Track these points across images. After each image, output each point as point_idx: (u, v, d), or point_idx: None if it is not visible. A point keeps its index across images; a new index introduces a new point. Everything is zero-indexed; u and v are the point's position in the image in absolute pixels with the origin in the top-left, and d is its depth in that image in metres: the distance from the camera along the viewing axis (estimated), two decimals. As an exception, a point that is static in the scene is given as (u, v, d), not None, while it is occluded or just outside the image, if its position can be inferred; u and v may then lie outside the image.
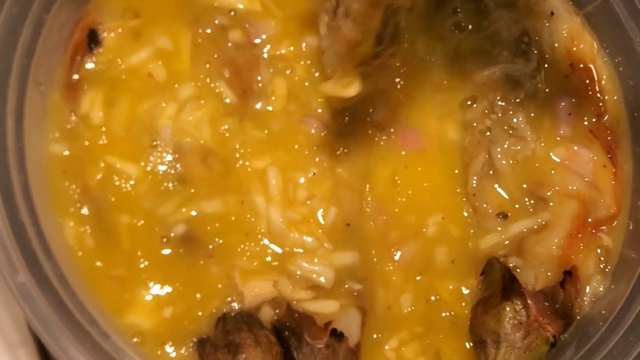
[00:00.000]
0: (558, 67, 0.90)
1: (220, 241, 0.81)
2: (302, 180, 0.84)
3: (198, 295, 0.80)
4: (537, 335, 0.79)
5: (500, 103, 0.88)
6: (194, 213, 0.82)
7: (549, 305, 0.80)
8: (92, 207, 0.81)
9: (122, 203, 0.82)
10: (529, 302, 0.79)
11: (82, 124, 0.83)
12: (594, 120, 0.89)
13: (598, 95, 0.89)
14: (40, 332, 0.71)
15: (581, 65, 0.90)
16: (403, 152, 0.86)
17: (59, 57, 0.83)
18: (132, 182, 0.82)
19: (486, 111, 0.89)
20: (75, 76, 0.84)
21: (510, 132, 0.88)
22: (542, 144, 0.88)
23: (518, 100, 0.89)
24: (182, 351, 0.78)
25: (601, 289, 0.84)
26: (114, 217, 0.81)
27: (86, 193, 0.81)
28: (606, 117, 0.89)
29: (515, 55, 0.89)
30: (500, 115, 0.89)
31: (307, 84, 0.87)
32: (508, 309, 0.79)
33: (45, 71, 0.81)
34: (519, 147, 0.88)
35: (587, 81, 0.89)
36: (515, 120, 0.88)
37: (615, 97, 0.90)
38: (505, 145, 0.88)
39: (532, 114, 0.89)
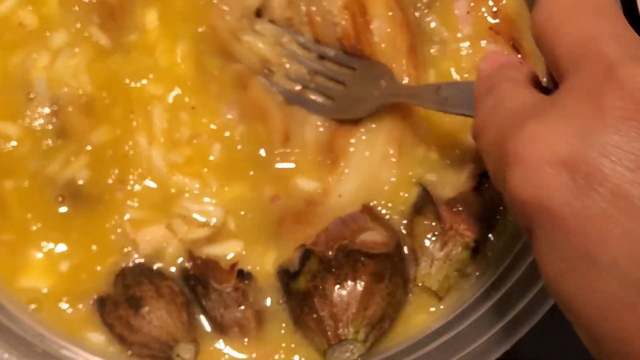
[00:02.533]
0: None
1: (110, 191, 0.77)
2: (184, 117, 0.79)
3: (94, 247, 0.75)
4: (454, 242, 0.74)
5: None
6: (80, 166, 0.77)
7: (465, 210, 0.75)
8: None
9: (4, 166, 0.77)
10: (441, 211, 0.75)
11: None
12: (493, 12, 0.83)
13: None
14: None
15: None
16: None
17: None
18: (13, 142, 0.77)
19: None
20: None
21: (434, 38, 0.83)
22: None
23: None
24: (80, 306, 0.74)
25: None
26: (-3, 183, 0.77)
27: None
28: (504, 8, 0.83)
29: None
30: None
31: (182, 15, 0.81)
32: (420, 223, 0.75)
33: None
34: (438, 52, 0.82)
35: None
36: (432, 25, 0.83)
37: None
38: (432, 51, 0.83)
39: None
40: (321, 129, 0.80)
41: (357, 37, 0.80)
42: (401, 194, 0.78)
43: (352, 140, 0.78)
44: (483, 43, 0.83)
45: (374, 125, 0.79)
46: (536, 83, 0.56)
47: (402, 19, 0.81)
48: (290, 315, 0.75)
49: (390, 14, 0.80)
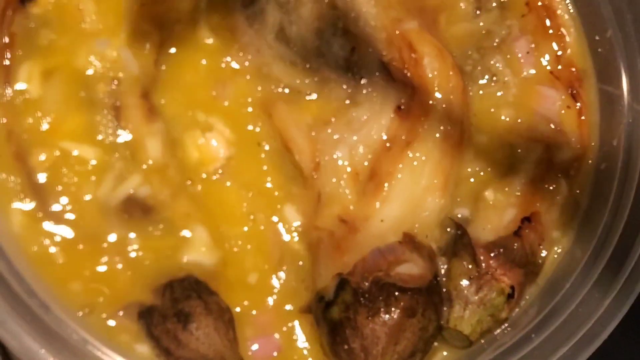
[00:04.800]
0: (514, 8, 0.85)
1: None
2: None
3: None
4: (489, 287, 0.74)
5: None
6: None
7: (503, 255, 0.75)
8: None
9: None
10: (478, 255, 0.75)
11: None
12: (555, 57, 0.84)
13: (558, 32, 0.84)
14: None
15: (539, 3, 0.84)
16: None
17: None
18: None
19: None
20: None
21: (494, 78, 0.84)
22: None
23: (495, 44, 0.85)
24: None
25: (561, 246, 0.80)
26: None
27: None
28: (568, 55, 0.84)
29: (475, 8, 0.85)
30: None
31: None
32: (457, 265, 0.76)
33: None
34: (499, 94, 0.84)
35: (545, 18, 0.84)
36: (492, 62, 0.84)
37: (576, 33, 0.84)
38: (481, 92, 0.84)
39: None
40: (361, 151, 0.80)
41: (405, 66, 0.81)
42: (441, 228, 0.79)
43: (400, 166, 0.79)
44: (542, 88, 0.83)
45: (424, 158, 0.79)
46: None
47: (452, 61, 0.82)
48: (324, 341, 0.75)
49: (438, 55, 0.81)
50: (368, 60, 0.82)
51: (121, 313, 0.75)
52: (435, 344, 0.76)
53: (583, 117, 0.83)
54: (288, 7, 0.82)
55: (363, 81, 0.81)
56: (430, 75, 0.81)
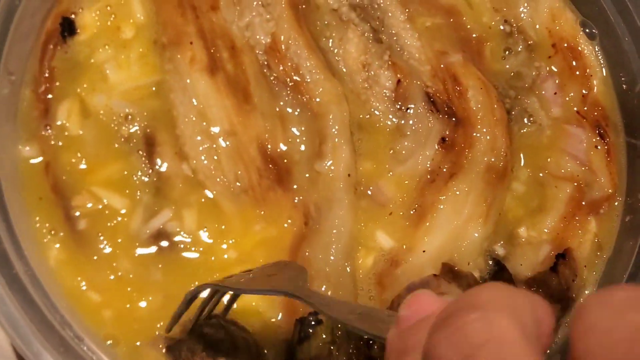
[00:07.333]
0: (541, 49, 0.86)
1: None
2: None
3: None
4: (531, 323, 0.75)
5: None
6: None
7: (542, 292, 0.76)
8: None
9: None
10: (520, 292, 0.76)
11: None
12: (581, 97, 0.85)
13: (585, 73, 0.85)
14: (11, 335, 0.68)
15: (565, 45, 0.86)
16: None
17: (31, 45, 0.79)
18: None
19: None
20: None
21: (530, 119, 0.85)
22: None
23: (527, 85, 0.86)
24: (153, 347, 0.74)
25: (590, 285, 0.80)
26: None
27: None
28: (594, 94, 0.85)
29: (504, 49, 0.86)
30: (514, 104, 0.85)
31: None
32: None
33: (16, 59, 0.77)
34: (536, 134, 0.85)
35: (572, 60, 0.86)
36: (528, 101, 0.85)
37: (603, 74, 0.86)
38: (524, 130, 0.84)
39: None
40: (406, 183, 0.80)
41: (449, 98, 0.82)
42: (484, 257, 0.79)
43: (442, 197, 0.79)
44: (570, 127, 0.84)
45: (466, 189, 0.79)
46: None
47: (496, 95, 0.82)
48: None
49: (482, 88, 0.82)
50: (413, 91, 0.82)
51: (150, 345, 0.74)
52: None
53: (610, 157, 0.84)
54: (335, 44, 0.83)
55: (409, 112, 0.82)
56: (474, 108, 0.81)
